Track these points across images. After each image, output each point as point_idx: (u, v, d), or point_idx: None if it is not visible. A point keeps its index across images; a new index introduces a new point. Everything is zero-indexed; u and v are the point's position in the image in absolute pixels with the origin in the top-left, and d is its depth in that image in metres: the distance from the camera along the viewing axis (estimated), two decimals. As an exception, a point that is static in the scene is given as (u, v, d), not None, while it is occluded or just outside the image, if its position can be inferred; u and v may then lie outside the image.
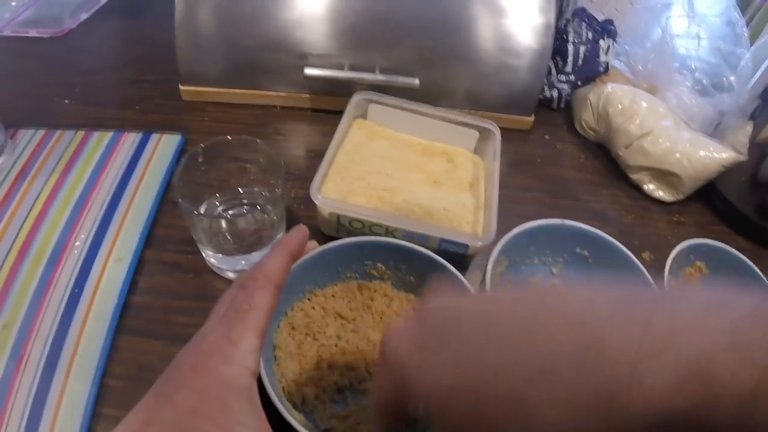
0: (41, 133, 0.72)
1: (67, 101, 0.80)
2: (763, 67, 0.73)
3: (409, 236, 0.56)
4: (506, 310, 0.31)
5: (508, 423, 0.28)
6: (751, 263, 0.62)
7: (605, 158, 0.81)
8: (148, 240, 0.61)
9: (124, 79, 0.86)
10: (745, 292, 0.25)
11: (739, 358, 0.22)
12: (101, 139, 0.72)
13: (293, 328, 0.52)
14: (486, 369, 0.29)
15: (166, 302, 0.56)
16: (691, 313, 0.25)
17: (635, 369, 0.24)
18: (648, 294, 0.29)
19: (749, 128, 0.73)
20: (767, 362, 0.22)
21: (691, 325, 0.24)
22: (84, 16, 1.00)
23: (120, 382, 0.50)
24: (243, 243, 0.55)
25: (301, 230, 0.44)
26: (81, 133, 0.72)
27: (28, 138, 0.71)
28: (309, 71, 0.75)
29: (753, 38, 0.94)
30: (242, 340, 0.35)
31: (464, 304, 0.34)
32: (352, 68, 0.76)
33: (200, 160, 0.56)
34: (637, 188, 0.77)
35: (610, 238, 0.59)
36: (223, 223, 0.56)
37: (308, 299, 0.54)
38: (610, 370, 0.25)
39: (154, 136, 0.73)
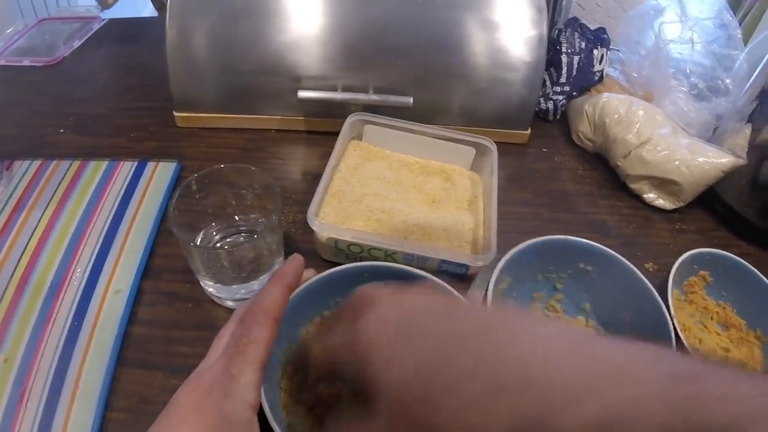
0: (37, 163, 0.72)
1: (61, 130, 0.80)
2: (758, 69, 0.72)
3: (409, 258, 0.56)
4: (477, 328, 0.31)
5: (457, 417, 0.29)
6: (754, 269, 0.61)
7: (604, 169, 0.81)
8: (147, 270, 0.61)
9: (118, 107, 0.87)
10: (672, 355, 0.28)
11: (652, 407, 0.24)
12: (97, 168, 0.72)
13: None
14: (444, 377, 0.29)
15: (165, 333, 0.56)
16: (622, 361, 0.27)
17: (560, 410, 0.25)
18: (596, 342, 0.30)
19: (747, 131, 0.72)
20: (677, 415, 0.23)
21: (622, 375, 0.26)
22: (77, 44, 1.01)
23: (122, 415, 0.49)
24: (241, 272, 0.55)
25: (297, 260, 0.44)
26: (76, 163, 0.72)
27: (24, 169, 0.71)
28: (302, 94, 0.75)
29: (745, 39, 0.94)
30: (242, 374, 0.35)
31: (440, 310, 0.34)
32: (346, 89, 0.76)
33: (194, 188, 0.55)
34: (638, 198, 0.77)
35: (613, 252, 0.58)
36: (221, 253, 0.56)
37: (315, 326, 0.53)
38: (544, 408, 0.26)
39: (150, 165, 0.73)
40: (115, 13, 1.11)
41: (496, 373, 0.28)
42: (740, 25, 0.98)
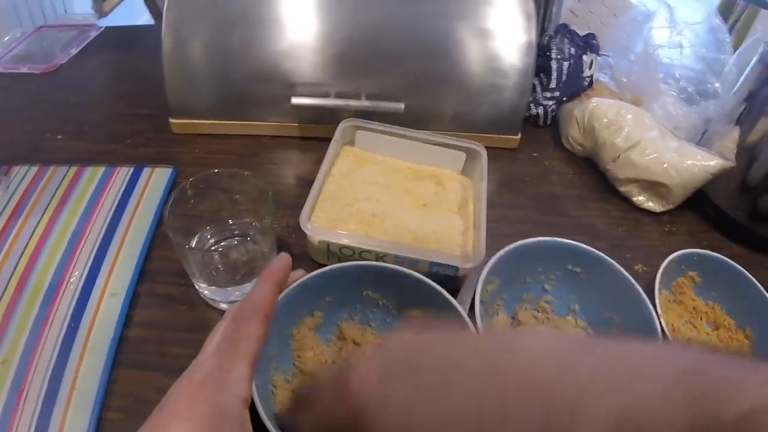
0: (34, 169, 0.73)
1: (59, 136, 0.81)
2: (746, 71, 0.73)
3: (400, 261, 0.57)
4: (466, 357, 0.31)
5: None
6: (742, 269, 0.62)
7: (593, 172, 0.82)
8: (142, 273, 0.62)
9: (114, 113, 0.88)
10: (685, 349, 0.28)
11: (671, 401, 0.24)
12: (94, 174, 0.73)
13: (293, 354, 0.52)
14: (440, 414, 0.30)
15: (160, 334, 0.57)
16: (632, 363, 0.27)
17: (576, 409, 0.25)
18: (600, 344, 0.30)
19: (736, 134, 0.73)
20: (696, 407, 0.23)
21: (635, 373, 0.26)
22: (74, 51, 1.02)
23: (118, 415, 0.50)
24: (235, 274, 0.56)
25: (284, 258, 0.45)
26: (74, 169, 0.73)
27: (21, 175, 0.72)
28: (296, 100, 0.76)
29: (737, 43, 0.95)
30: (233, 369, 0.36)
31: (428, 345, 0.34)
32: (339, 96, 0.77)
33: (189, 193, 0.56)
34: (627, 200, 0.78)
35: (601, 254, 0.59)
36: (215, 256, 0.57)
37: (305, 326, 0.54)
38: (555, 418, 0.26)
39: (146, 170, 0.74)
40: (112, 20, 1.12)
41: (498, 401, 0.28)
42: (732, 29, 0.99)
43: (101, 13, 1.09)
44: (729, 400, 0.23)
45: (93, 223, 0.66)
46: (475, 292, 0.53)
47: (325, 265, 0.53)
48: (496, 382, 0.29)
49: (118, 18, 1.13)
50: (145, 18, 1.13)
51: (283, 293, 0.48)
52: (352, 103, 0.77)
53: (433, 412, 0.30)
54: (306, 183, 0.65)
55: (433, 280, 0.53)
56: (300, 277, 0.51)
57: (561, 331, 0.60)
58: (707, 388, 0.24)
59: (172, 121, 0.81)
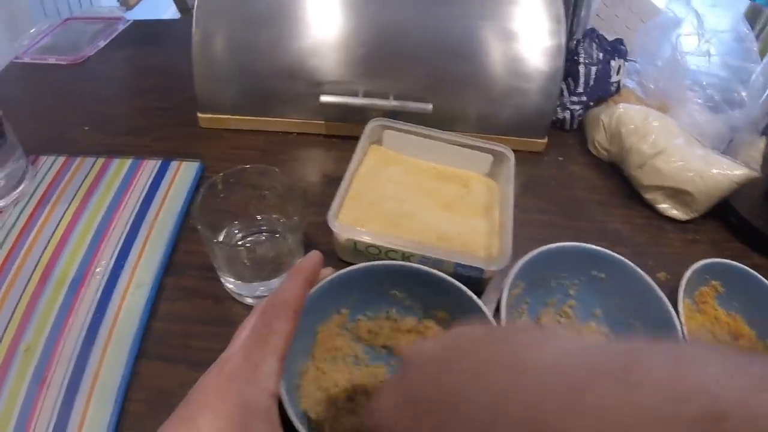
0: (61, 160, 0.74)
1: (86, 128, 0.82)
2: (773, 82, 0.73)
3: (424, 262, 0.57)
4: (477, 384, 0.31)
5: None
6: (765, 280, 0.61)
7: (618, 178, 0.81)
8: (168, 266, 0.62)
9: (140, 107, 0.88)
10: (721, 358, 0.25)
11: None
12: (121, 166, 0.73)
13: (319, 350, 0.53)
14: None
15: (185, 328, 0.57)
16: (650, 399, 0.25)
17: None
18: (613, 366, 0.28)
19: (762, 144, 0.72)
20: None
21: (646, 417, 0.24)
22: (101, 44, 1.03)
23: (141, 407, 0.50)
24: (262, 270, 0.56)
25: (315, 255, 0.45)
26: (101, 161, 0.74)
27: (48, 165, 0.73)
28: (324, 98, 0.76)
29: (763, 52, 0.94)
30: (263, 363, 0.36)
31: (440, 371, 0.34)
32: (366, 95, 0.78)
33: (219, 188, 0.57)
34: (651, 207, 0.77)
35: (625, 260, 0.59)
36: (243, 251, 0.57)
37: (332, 323, 0.55)
38: None
39: (174, 164, 0.74)
40: (137, 14, 1.13)
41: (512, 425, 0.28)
42: (759, 37, 0.98)
43: (127, 6, 1.10)
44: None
45: (120, 215, 0.66)
46: (501, 295, 0.53)
47: (351, 264, 0.54)
48: (501, 419, 0.28)
49: (143, 12, 1.14)
50: (170, 12, 1.13)
51: (313, 289, 0.48)
52: (380, 102, 0.77)
53: None
54: (330, 180, 0.65)
55: (459, 280, 0.53)
56: (329, 275, 0.51)
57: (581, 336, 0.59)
58: None
59: (200, 115, 0.82)
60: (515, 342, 0.34)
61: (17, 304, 0.56)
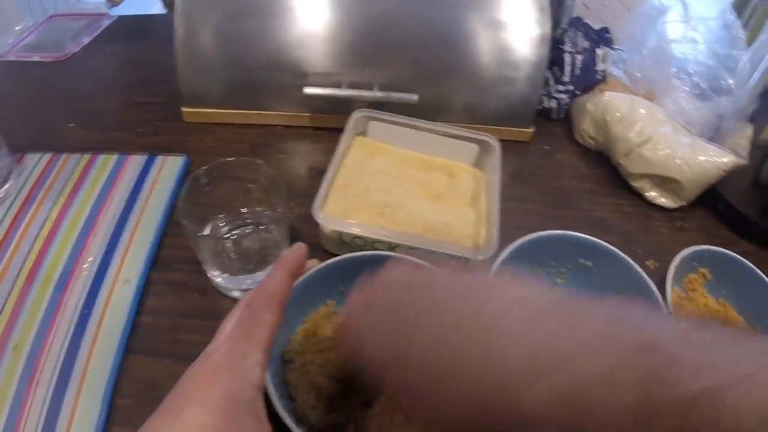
0: (47, 157, 0.73)
1: (71, 124, 0.82)
2: (761, 68, 0.73)
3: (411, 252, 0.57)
4: (443, 299, 0.35)
5: (426, 398, 0.33)
6: (754, 267, 0.62)
7: (606, 167, 0.82)
8: (155, 261, 0.62)
9: (126, 102, 0.88)
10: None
11: (616, 382, 0.24)
12: (106, 162, 0.73)
13: (305, 341, 0.52)
14: (414, 347, 0.33)
15: (173, 322, 0.57)
16: (589, 333, 0.28)
17: (520, 386, 0.27)
18: (568, 305, 0.31)
19: (749, 131, 0.72)
20: (641, 388, 0.23)
21: (589, 346, 0.27)
22: (86, 40, 1.02)
23: (129, 401, 0.50)
24: (248, 263, 0.56)
25: (300, 248, 0.45)
26: (86, 157, 0.73)
27: (34, 162, 0.72)
28: (308, 90, 0.76)
29: (751, 40, 0.94)
30: (247, 355, 0.36)
31: (413, 284, 0.38)
32: (351, 86, 0.77)
33: (203, 182, 0.57)
34: (639, 196, 0.77)
35: (613, 248, 0.59)
36: (228, 244, 0.57)
37: (319, 314, 0.54)
38: (506, 386, 0.28)
39: (159, 158, 0.74)
40: (124, 10, 1.12)
41: (455, 352, 0.30)
42: (747, 24, 0.98)
43: (113, 2, 1.09)
44: (680, 382, 0.23)
45: (106, 211, 0.66)
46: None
47: (337, 255, 0.54)
48: (462, 331, 0.31)
49: (130, 7, 1.13)
50: (157, 8, 1.13)
51: (297, 281, 0.48)
52: (365, 93, 0.76)
53: (404, 352, 0.33)
54: (317, 173, 0.65)
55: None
56: (314, 266, 0.51)
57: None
58: (659, 368, 0.23)
59: (184, 109, 0.81)
60: (481, 281, 0.37)
61: (5, 302, 0.56)
